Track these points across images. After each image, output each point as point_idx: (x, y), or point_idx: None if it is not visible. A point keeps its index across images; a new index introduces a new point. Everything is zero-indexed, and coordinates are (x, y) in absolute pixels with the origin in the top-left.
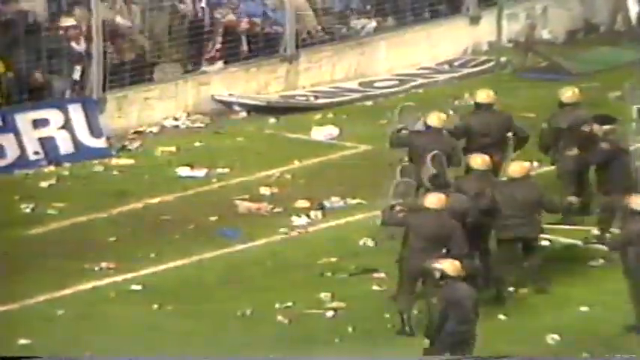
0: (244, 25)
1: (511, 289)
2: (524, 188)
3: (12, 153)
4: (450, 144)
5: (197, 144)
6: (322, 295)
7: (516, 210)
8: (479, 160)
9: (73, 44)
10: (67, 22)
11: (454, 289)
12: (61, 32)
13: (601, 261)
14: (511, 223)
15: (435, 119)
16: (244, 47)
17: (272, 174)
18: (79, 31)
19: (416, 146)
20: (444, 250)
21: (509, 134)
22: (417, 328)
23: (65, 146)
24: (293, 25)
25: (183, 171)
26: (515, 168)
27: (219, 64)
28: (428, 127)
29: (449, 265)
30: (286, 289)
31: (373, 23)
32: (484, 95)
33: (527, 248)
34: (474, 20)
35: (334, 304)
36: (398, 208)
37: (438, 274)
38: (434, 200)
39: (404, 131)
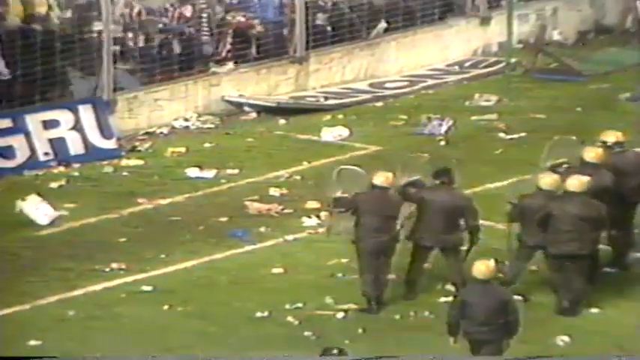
0: (256, 27)
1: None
2: (579, 203)
3: (22, 154)
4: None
5: (207, 145)
6: (332, 296)
7: (568, 225)
8: (548, 180)
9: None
10: (99, 26)
11: (474, 290)
12: (94, 35)
13: None
14: (562, 238)
15: (592, 154)
16: (253, 49)
17: (282, 175)
18: None
19: None
20: (398, 226)
21: None
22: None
23: (75, 147)
24: (302, 26)
25: (193, 172)
26: (574, 182)
27: (230, 65)
28: (585, 162)
29: (480, 266)
30: (296, 290)
31: (384, 24)
32: (613, 137)
33: (577, 266)
34: (485, 21)
35: (345, 306)
36: (345, 195)
37: None
38: (381, 178)
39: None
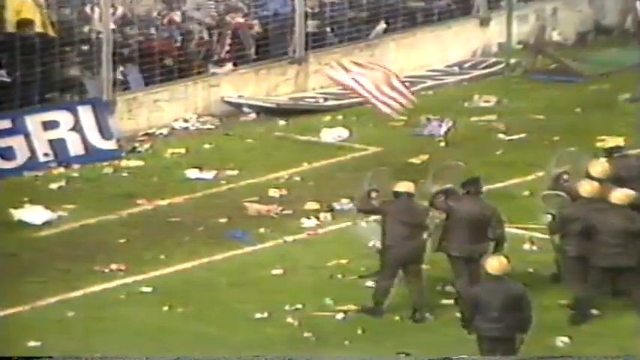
0: (255, 28)
1: None
2: (624, 216)
3: (22, 155)
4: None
5: (206, 146)
6: (332, 297)
7: (613, 238)
8: (588, 188)
9: None
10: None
11: (484, 287)
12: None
13: None
14: (606, 251)
15: (599, 169)
16: (252, 50)
17: (281, 176)
18: None
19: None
20: (424, 235)
21: None
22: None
23: (75, 148)
24: (302, 26)
25: (193, 173)
26: (618, 195)
27: (229, 65)
28: (591, 176)
29: (493, 262)
30: (296, 291)
31: (383, 25)
32: (612, 142)
33: (625, 278)
34: (484, 22)
35: (344, 307)
36: (374, 194)
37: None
38: (404, 185)
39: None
